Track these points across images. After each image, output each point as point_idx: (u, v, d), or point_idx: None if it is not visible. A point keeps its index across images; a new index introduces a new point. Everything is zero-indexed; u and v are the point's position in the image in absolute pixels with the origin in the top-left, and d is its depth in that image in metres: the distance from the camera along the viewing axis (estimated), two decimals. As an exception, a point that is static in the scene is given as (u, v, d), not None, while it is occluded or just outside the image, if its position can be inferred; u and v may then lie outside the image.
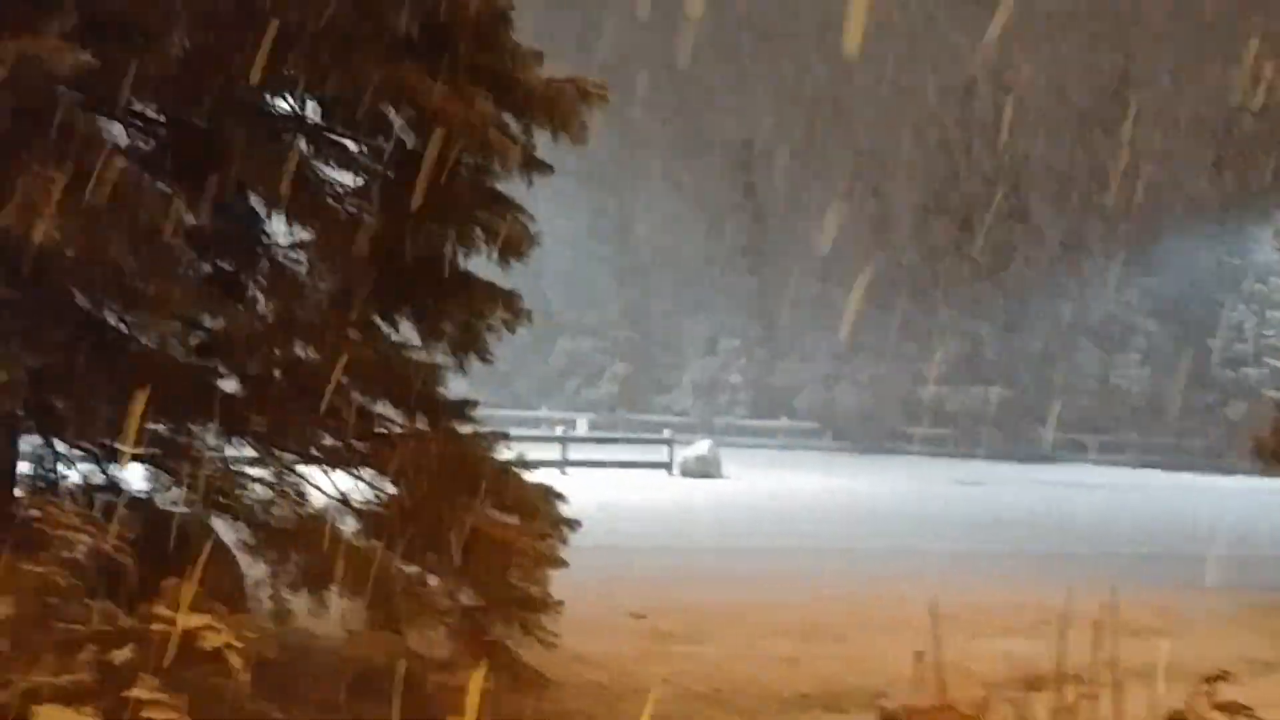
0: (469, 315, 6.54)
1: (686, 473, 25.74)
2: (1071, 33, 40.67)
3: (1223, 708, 4.65)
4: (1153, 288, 39.34)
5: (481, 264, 6.66)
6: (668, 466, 26.11)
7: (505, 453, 6.73)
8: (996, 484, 27.09)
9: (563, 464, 23.37)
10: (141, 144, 6.20)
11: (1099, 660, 4.84)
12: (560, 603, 6.45)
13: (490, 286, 6.58)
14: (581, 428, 32.00)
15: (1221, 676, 4.82)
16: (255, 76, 5.64)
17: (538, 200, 6.66)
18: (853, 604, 10.38)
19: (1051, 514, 21.08)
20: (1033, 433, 36.16)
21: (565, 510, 6.71)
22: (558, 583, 6.46)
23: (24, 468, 6.26)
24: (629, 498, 19.40)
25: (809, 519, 18.51)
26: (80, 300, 5.70)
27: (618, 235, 40.31)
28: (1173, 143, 39.01)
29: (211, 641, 3.77)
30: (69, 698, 3.64)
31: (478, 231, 6.51)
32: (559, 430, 27.20)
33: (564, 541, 6.58)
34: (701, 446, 26.88)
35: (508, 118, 6.43)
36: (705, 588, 10.94)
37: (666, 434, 27.65)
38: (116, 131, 6.03)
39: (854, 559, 13.90)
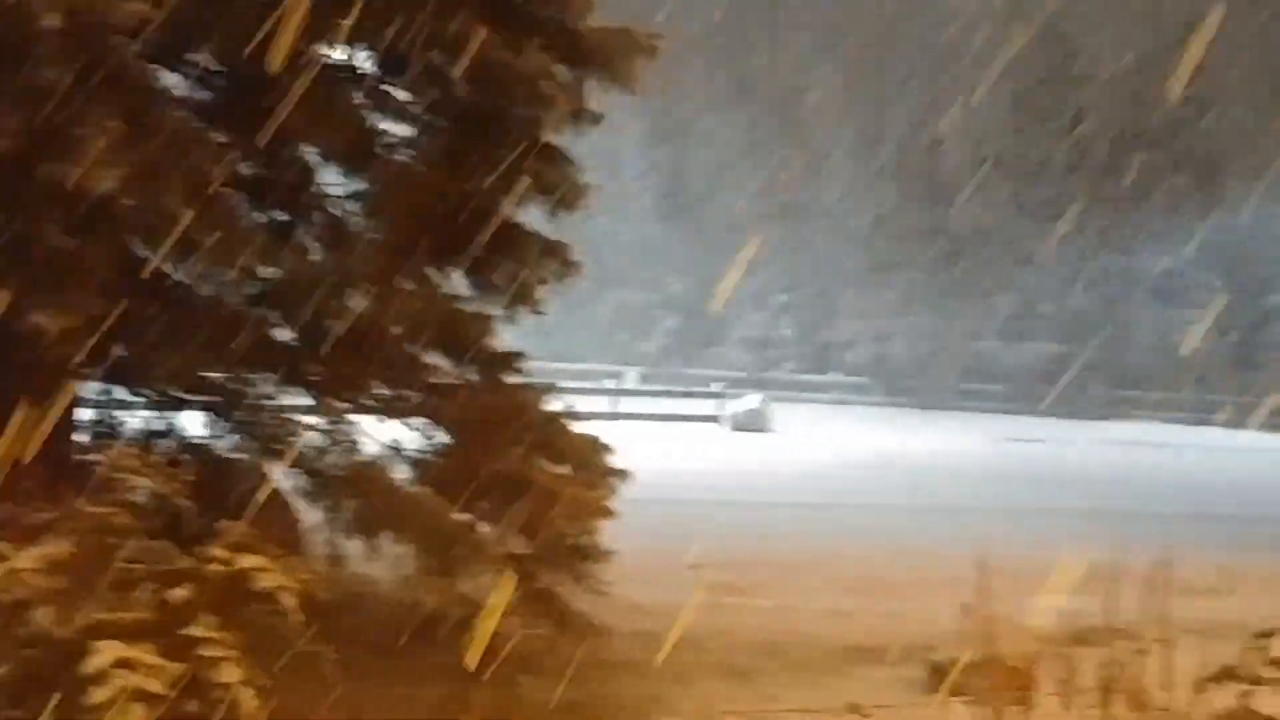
0: (520, 267, 6.55)
1: (737, 427, 25.69)
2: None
3: (1276, 663, 4.60)
4: (1216, 242, 38.43)
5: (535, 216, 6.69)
6: (718, 420, 26.08)
7: (554, 404, 6.78)
8: (1052, 441, 26.79)
9: (611, 416, 23.43)
10: (197, 94, 6.27)
11: (1150, 617, 4.81)
12: (610, 552, 6.51)
13: (540, 238, 6.59)
14: (630, 380, 31.96)
15: (1274, 632, 4.76)
16: (310, 26, 5.66)
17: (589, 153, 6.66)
18: (905, 559, 10.36)
19: (1108, 472, 20.83)
20: (1090, 389, 35.66)
21: (614, 461, 6.76)
22: (613, 534, 6.51)
23: (85, 414, 6.41)
24: (679, 451, 19.43)
25: (862, 474, 18.45)
26: (138, 250, 5.78)
27: (668, 188, 40.06)
28: (1243, 89, 37.87)
29: (264, 582, 3.87)
30: (128, 634, 3.75)
31: (528, 183, 6.52)
32: (608, 383, 27.21)
33: (614, 492, 6.63)
34: (752, 400, 26.79)
35: (559, 68, 6.40)
36: (759, 541, 10.96)
37: (716, 387, 27.57)
38: (173, 81, 6.09)
39: (908, 515, 13.85)
